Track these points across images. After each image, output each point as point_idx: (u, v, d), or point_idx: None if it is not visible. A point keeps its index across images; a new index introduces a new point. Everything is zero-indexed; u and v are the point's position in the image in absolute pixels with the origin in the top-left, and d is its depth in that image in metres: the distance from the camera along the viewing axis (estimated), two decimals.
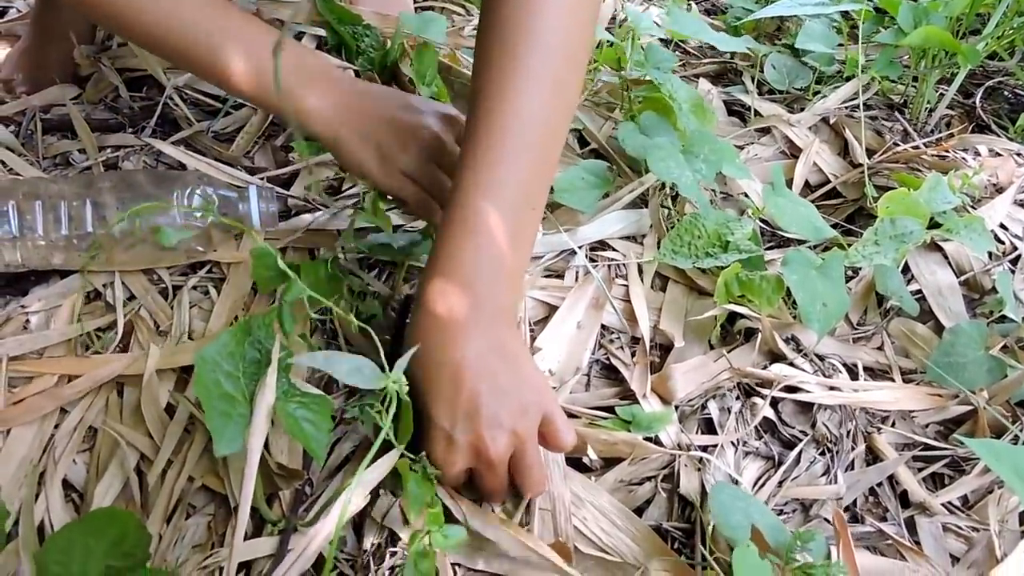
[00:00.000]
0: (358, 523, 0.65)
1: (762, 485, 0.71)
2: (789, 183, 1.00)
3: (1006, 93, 1.22)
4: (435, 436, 0.62)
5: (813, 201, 0.98)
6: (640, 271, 0.87)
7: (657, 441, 0.72)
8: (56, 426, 0.71)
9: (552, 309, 0.82)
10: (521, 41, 0.65)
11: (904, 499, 0.74)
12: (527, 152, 0.65)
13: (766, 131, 1.08)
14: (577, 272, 0.86)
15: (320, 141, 0.73)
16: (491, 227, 0.62)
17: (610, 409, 0.75)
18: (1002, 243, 0.95)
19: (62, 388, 0.73)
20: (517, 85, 0.64)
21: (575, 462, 0.71)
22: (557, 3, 0.66)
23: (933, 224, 0.89)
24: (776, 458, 0.74)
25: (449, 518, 0.65)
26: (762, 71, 1.16)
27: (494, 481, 0.63)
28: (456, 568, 0.62)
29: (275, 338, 0.64)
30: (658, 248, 0.87)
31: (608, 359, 0.80)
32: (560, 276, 0.86)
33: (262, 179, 0.93)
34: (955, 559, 0.70)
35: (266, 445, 0.66)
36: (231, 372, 0.61)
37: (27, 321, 0.79)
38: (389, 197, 0.77)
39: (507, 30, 0.65)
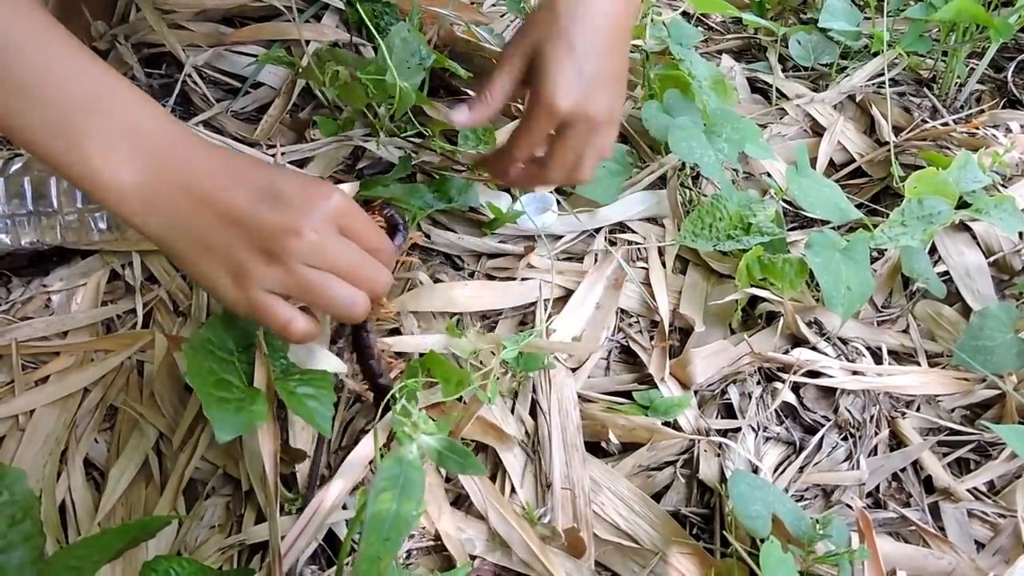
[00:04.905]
0: None
1: (783, 471, 0.71)
2: (813, 162, 0.98)
3: None
4: (564, 67, 0.68)
5: (838, 181, 0.96)
6: (660, 253, 0.86)
7: (676, 426, 0.72)
8: (79, 405, 0.72)
9: (571, 292, 0.81)
10: None
11: (928, 485, 0.73)
12: None
13: (790, 109, 1.06)
14: (596, 255, 0.85)
15: (143, 234, 0.56)
16: None
17: (628, 394, 0.75)
18: None
19: (84, 368, 0.74)
20: None
21: (594, 447, 0.71)
22: None
23: (962, 204, 0.87)
24: (797, 443, 0.73)
25: (471, 510, 0.65)
26: (786, 46, 1.14)
27: (605, 139, 0.73)
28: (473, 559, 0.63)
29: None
30: (678, 230, 0.85)
31: (627, 343, 0.79)
32: (580, 259, 0.85)
33: (273, 155, 0.92)
34: (980, 545, 0.69)
35: (281, 425, 0.67)
36: (225, 357, 0.61)
37: (48, 300, 0.79)
38: None
39: None
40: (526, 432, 0.70)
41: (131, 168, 0.53)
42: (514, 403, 0.72)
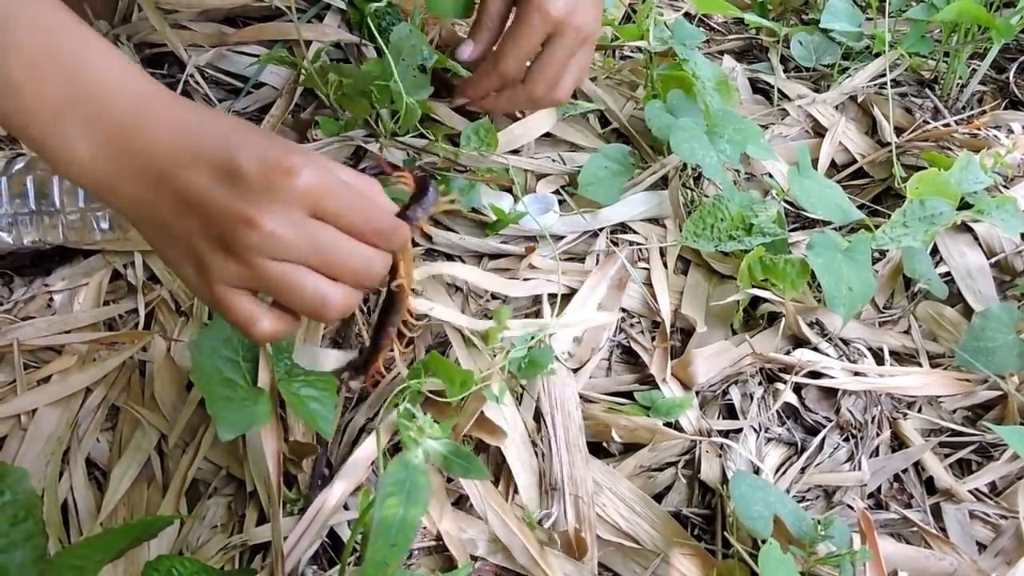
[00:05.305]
0: None
1: (784, 472, 0.71)
2: (815, 163, 0.98)
3: None
4: None
5: (839, 181, 0.96)
6: (662, 254, 0.86)
7: (677, 427, 0.72)
8: (81, 404, 0.72)
9: (573, 292, 0.81)
10: None
11: (930, 486, 0.73)
12: None
13: (791, 110, 1.06)
14: (598, 255, 0.85)
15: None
16: None
17: (630, 395, 0.75)
18: None
19: (86, 367, 0.74)
20: None
21: (595, 448, 0.71)
22: None
23: (964, 205, 0.87)
24: (799, 444, 0.73)
25: (472, 510, 0.65)
26: (788, 47, 1.14)
27: (586, 57, 0.76)
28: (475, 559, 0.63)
29: None
30: (680, 231, 0.85)
31: (628, 343, 0.79)
32: (581, 259, 0.85)
33: None
34: (982, 547, 0.69)
35: (283, 425, 0.67)
36: (230, 357, 0.61)
37: (51, 300, 0.80)
38: None
39: None
40: (528, 432, 0.70)
41: (87, 139, 0.47)
42: (518, 404, 0.72)
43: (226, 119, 0.50)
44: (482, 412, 0.68)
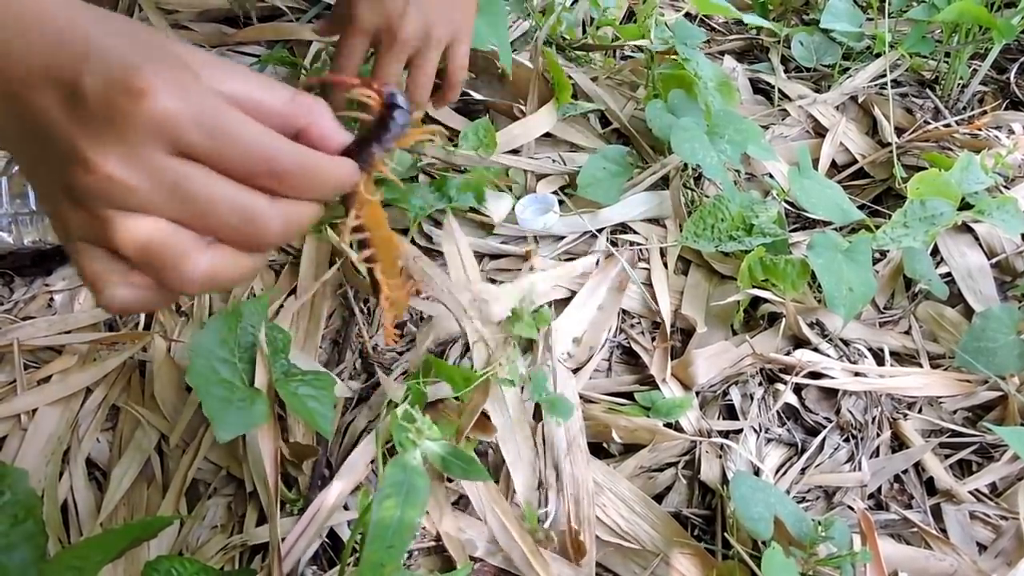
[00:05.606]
0: None
1: (784, 472, 0.71)
2: (815, 163, 0.98)
3: None
4: None
5: (840, 182, 0.96)
6: (662, 254, 0.86)
7: (678, 427, 0.72)
8: (81, 404, 0.72)
9: (573, 292, 0.81)
10: None
11: (930, 486, 0.73)
12: None
13: (792, 110, 1.06)
14: (599, 256, 0.85)
15: None
16: None
17: (630, 395, 0.75)
18: None
19: (86, 367, 0.74)
20: None
21: (595, 448, 0.71)
22: None
23: (964, 205, 0.87)
24: (799, 445, 0.73)
25: (472, 511, 0.65)
26: (789, 47, 1.14)
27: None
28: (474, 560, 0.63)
29: (263, 321, 0.65)
30: (680, 231, 0.85)
31: (629, 343, 0.79)
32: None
33: None
34: (982, 547, 0.69)
35: (283, 425, 0.67)
36: (226, 358, 0.61)
37: (51, 300, 0.79)
38: None
39: None
40: (530, 432, 0.70)
41: None
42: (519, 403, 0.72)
43: (116, 24, 0.38)
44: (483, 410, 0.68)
